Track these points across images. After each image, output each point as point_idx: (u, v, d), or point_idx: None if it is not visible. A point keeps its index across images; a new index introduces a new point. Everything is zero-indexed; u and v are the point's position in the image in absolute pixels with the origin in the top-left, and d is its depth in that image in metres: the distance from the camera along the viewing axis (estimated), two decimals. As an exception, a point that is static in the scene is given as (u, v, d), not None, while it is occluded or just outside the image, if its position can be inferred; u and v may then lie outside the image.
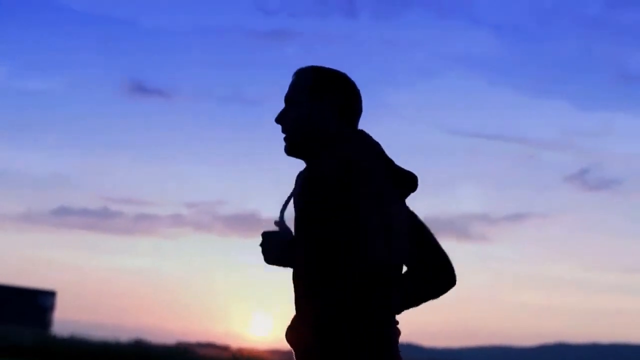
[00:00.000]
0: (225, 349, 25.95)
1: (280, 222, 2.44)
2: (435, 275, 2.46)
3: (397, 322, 2.37)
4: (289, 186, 2.39)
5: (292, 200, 2.37)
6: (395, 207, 2.36)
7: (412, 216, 2.48)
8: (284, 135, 2.49)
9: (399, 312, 2.39)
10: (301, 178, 2.31)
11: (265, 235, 2.44)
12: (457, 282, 2.50)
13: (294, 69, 2.52)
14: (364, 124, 2.49)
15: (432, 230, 2.50)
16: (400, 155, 2.44)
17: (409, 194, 2.43)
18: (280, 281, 2.34)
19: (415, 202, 2.48)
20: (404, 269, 2.43)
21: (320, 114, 2.44)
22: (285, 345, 2.34)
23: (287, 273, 2.38)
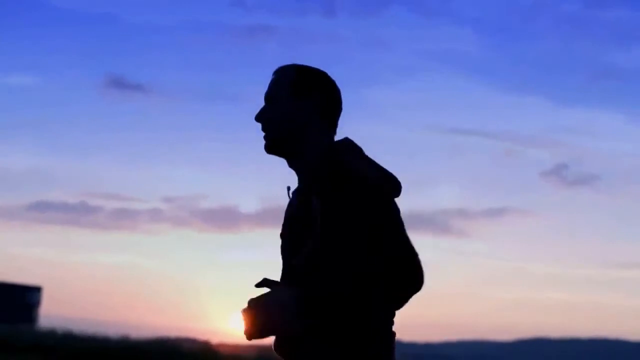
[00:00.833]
0: (205, 343, 25.86)
1: (265, 280, 2.33)
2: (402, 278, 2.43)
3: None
4: (268, 182, 2.39)
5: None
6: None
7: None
8: (263, 134, 2.49)
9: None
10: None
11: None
12: (424, 284, 2.48)
13: (274, 67, 2.53)
14: (343, 122, 2.51)
15: (411, 226, 2.52)
16: (379, 151, 2.46)
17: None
18: (260, 277, 2.34)
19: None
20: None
21: (301, 113, 2.45)
22: (264, 340, 2.34)
23: (267, 268, 2.40)
